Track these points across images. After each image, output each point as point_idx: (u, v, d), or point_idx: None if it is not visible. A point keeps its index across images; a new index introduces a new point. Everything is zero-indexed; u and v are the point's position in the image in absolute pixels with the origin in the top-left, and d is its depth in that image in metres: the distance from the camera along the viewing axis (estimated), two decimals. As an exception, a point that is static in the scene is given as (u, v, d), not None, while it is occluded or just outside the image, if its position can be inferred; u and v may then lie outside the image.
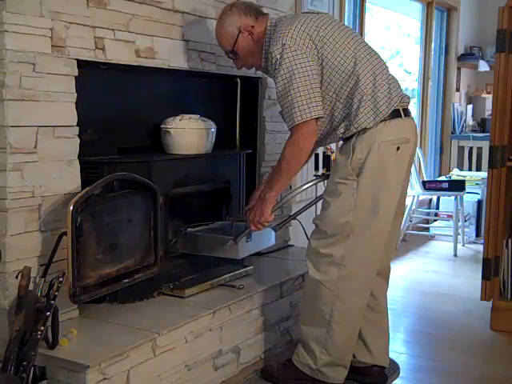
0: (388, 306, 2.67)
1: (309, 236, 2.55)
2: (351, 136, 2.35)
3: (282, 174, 2.38)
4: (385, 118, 2.32)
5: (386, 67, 2.42)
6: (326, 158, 3.72)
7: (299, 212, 2.94)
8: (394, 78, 2.44)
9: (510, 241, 3.32)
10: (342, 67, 2.32)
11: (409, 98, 2.45)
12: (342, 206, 2.36)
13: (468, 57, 6.61)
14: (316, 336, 2.46)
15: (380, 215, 2.37)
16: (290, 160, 2.34)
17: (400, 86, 2.43)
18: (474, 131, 6.78)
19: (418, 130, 6.06)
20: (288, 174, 2.39)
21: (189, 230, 2.81)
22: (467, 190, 5.27)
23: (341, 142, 2.49)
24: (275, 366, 2.61)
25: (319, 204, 2.59)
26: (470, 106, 6.93)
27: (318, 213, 2.55)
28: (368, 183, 2.33)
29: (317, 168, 3.79)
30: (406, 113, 2.42)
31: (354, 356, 2.58)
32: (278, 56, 2.29)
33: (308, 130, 2.31)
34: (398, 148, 2.35)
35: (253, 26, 2.47)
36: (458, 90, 6.62)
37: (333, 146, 4.02)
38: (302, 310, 2.59)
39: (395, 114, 2.35)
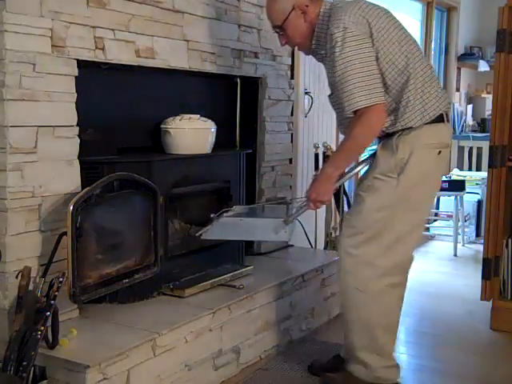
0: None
1: (337, 233, 2.56)
2: (394, 133, 2.34)
3: (349, 153, 2.33)
4: (431, 120, 2.33)
5: (434, 71, 2.44)
6: (327, 157, 3.72)
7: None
8: (439, 82, 2.46)
9: (510, 241, 3.32)
10: (395, 62, 2.29)
11: (451, 104, 2.45)
12: (377, 202, 2.34)
13: (468, 57, 6.60)
14: (361, 344, 2.43)
15: (416, 216, 2.39)
16: (360, 139, 2.28)
17: (445, 92, 2.46)
18: (474, 131, 6.77)
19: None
20: (356, 152, 2.36)
21: (225, 216, 2.69)
22: (467, 189, 5.26)
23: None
24: (337, 379, 2.56)
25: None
26: (470, 106, 6.92)
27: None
28: (409, 183, 2.32)
29: (317, 168, 3.78)
30: (448, 118, 2.43)
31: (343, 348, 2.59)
32: (339, 39, 2.23)
33: (376, 111, 2.25)
34: (440, 152, 2.37)
35: (307, 6, 2.38)
36: (457, 89, 6.61)
37: (333, 145, 4.03)
38: (343, 320, 2.51)
39: (440, 118, 2.36)
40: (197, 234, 2.56)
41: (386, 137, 2.38)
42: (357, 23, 2.24)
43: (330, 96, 2.43)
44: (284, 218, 2.55)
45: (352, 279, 2.39)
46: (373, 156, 2.42)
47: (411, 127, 2.31)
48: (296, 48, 2.47)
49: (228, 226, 2.58)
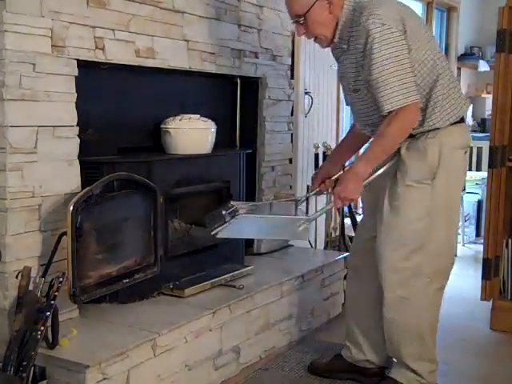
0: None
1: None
2: (419, 134, 2.30)
3: (383, 151, 2.26)
4: (456, 121, 2.32)
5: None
6: (326, 157, 3.71)
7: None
8: None
9: (509, 241, 3.32)
10: (425, 61, 2.26)
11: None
12: (417, 211, 2.30)
13: (468, 57, 6.61)
14: (412, 353, 2.42)
15: (453, 218, 2.39)
16: (396, 138, 2.24)
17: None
18: (474, 131, 6.78)
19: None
20: (389, 151, 2.27)
21: (241, 213, 2.48)
22: (467, 189, 5.26)
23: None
24: None
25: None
26: (470, 106, 6.93)
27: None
28: (442, 187, 2.30)
29: (317, 168, 3.78)
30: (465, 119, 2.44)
31: (350, 352, 2.60)
32: (377, 35, 2.15)
33: (414, 109, 2.21)
34: (465, 152, 2.38)
35: None
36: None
37: (333, 145, 4.03)
38: (390, 332, 2.44)
39: (462, 119, 2.36)
40: (212, 233, 2.38)
41: (409, 138, 2.32)
42: (394, 20, 2.18)
43: (354, 92, 2.33)
44: (304, 216, 2.45)
45: (402, 291, 2.34)
46: (392, 158, 2.35)
47: (437, 128, 2.28)
48: (313, 39, 2.35)
49: (245, 224, 2.40)
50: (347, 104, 2.50)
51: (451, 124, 2.30)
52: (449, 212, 2.36)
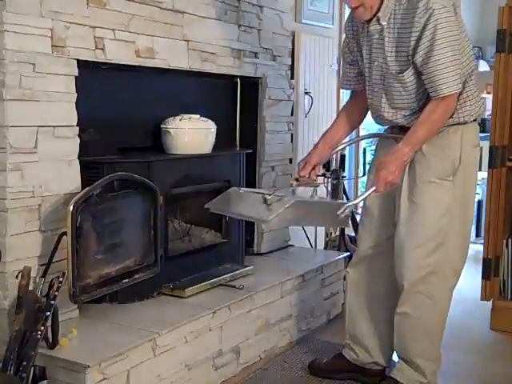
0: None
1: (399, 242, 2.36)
2: (441, 127, 2.27)
3: (427, 136, 2.22)
4: (474, 118, 2.33)
5: None
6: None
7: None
8: None
9: (510, 241, 3.32)
10: (465, 51, 2.26)
11: None
12: (440, 208, 2.30)
13: (468, 57, 6.60)
14: (422, 351, 2.42)
15: (470, 216, 2.41)
16: (439, 124, 2.23)
17: None
18: (474, 131, 6.77)
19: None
20: (431, 135, 2.24)
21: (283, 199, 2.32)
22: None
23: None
24: None
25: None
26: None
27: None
28: (461, 185, 2.32)
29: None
30: None
31: (356, 355, 2.59)
32: (443, 16, 2.11)
33: (455, 98, 2.21)
34: (480, 149, 2.40)
35: None
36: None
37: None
38: (402, 328, 2.43)
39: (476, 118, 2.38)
40: (267, 219, 2.19)
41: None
42: (449, 3, 2.16)
43: (393, 73, 2.26)
44: (345, 201, 2.41)
45: (421, 287, 2.34)
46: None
47: (459, 123, 2.28)
48: (358, 10, 2.23)
49: (290, 212, 2.24)
50: (369, 86, 2.38)
51: (472, 121, 2.32)
52: (466, 210, 2.38)
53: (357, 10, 2.23)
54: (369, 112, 2.51)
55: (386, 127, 2.52)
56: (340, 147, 2.57)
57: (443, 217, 2.30)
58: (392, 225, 2.41)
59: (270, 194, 2.28)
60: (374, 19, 2.24)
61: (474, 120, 2.34)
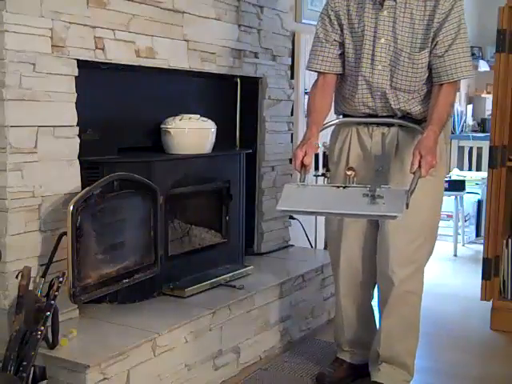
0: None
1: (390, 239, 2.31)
2: (422, 120, 2.30)
3: (447, 117, 2.25)
4: None
5: None
6: (326, 157, 3.71)
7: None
8: None
9: (510, 241, 3.32)
10: None
11: None
12: (428, 202, 2.31)
13: (468, 57, 6.60)
14: (409, 349, 2.43)
15: (439, 212, 2.43)
16: (453, 106, 2.33)
17: None
18: (474, 131, 6.78)
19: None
20: (449, 118, 2.30)
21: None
22: (467, 189, 5.26)
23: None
24: None
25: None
26: (470, 106, 6.92)
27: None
28: (441, 179, 2.36)
29: (317, 168, 3.78)
30: None
31: (358, 355, 2.58)
32: (462, 3, 2.25)
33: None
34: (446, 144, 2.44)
35: None
36: (458, 90, 6.61)
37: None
38: (389, 329, 2.41)
39: None
40: (398, 214, 1.96)
41: (418, 122, 2.31)
42: None
43: (405, 53, 2.24)
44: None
45: (409, 285, 2.35)
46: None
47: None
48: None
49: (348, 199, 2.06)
50: (365, 65, 2.29)
51: None
52: (441, 203, 2.43)
53: None
54: None
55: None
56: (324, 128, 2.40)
57: (431, 210, 2.35)
58: (373, 225, 2.41)
59: (365, 187, 2.05)
60: None
61: None
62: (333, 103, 2.47)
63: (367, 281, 2.51)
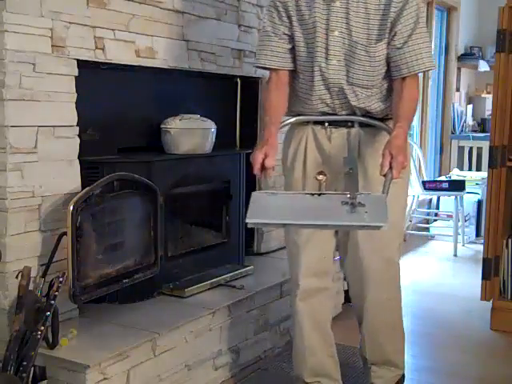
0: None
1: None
2: (386, 117, 2.20)
3: (413, 111, 2.13)
4: None
5: None
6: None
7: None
8: None
9: (510, 241, 3.32)
10: None
11: None
12: (399, 205, 2.24)
13: (468, 57, 6.61)
14: (396, 346, 2.39)
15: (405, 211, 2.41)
16: (417, 100, 2.18)
17: None
18: (474, 131, 6.78)
19: (418, 130, 6.07)
20: (415, 112, 2.17)
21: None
22: (467, 189, 5.26)
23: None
24: None
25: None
26: (470, 106, 6.93)
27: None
28: (407, 179, 2.31)
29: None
30: None
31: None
32: None
33: None
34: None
35: None
36: (458, 90, 6.62)
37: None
38: (375, 335, 2.34)
39: None
40: (383, 224, 1.77)
41: (381, 120, 2.18)
42: None
43: (362, 45, 2.09)
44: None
45: (387, 292, 2.29)
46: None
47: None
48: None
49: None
50: (318, 60, 2.12)
51: None
52: (406, 204, 2.41)
53: None
54: None
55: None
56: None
57: (400, 213, 2.27)
58: (335, 235, 2.26)
59: (343, 194, 1.87)
60: None
61: None
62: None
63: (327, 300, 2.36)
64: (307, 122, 2.24)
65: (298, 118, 2.26)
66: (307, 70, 2.17)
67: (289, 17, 2.16)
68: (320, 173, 2.00)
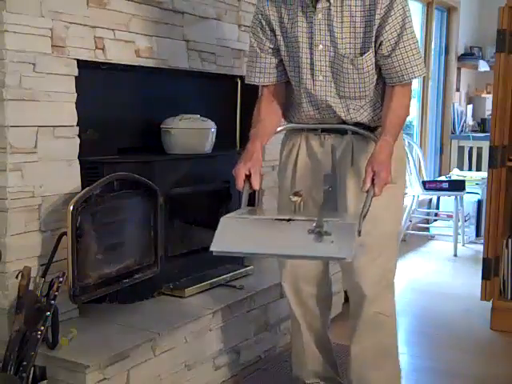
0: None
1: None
2: (377, 125, 2.09)
3: (401, 122, 2.04)
4: None
5: None
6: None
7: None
8: None
9: (510, 241, 3.32)
10: None
11: None
12: (392, 215, 2.13)
13: (468, 57, 6.61)
14: (386, 378, 2.19)
15: (401, 221, 2.30)
16: (408, 108, 2.09)
17: None
18: (474, 131, 6.78)
19: (418, 130, 6.07)
20: (404, 123, 2.07)
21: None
22: (467, 189, 5.27)
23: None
24: None
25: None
26: (470, 106, 6.93)
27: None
28: (402, 186, 2.19)
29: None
30: None
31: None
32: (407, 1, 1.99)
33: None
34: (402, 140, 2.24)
35: None
36: (458, 90, 6.62)
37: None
38: (362, 357, 2.18)
39: None
40: (347, 256, 1.72)
41: (371, 129, 2.10)
42: None
43: (348, 58, 2.00)
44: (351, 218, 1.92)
45: (381, 307, 2.15)
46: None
47: None
48: None
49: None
50: (304, 75, 2.05)
51: None
52: (401, 214, 2.29)
53: None
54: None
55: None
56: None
57: (394, 223, 2.15)
58: None
59: (311, 220, 1.78)
60: None
61: None
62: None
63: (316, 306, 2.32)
64: (301, 129, 2.21)
65: (285, 126, 2.24)
66: (295, 85, 2.12)
67: (272, 30, 2.08)
68: (295, 194, 1.93)
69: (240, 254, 1.95)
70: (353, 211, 2.05)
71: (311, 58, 2.03)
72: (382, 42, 1.96)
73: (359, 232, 1.77)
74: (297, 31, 2.02)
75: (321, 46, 2.01)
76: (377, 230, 2.04)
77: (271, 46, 2.11)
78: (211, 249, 1.84)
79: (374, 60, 2.00)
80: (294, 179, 2.21)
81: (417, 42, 2.01)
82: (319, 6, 1.97)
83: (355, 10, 1.96)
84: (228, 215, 1.94)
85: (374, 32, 1.96)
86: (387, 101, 2.03)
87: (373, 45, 1.98)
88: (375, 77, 2.05)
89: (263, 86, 2.17)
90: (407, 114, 2.07)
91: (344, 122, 2.13)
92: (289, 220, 1.81)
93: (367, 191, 1.87)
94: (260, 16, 2.09)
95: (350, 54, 2.00)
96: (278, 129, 2.24)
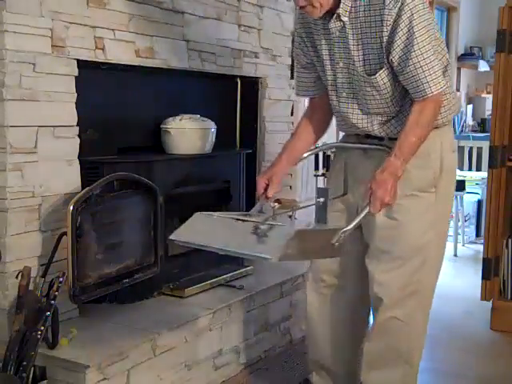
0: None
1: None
2: None
3: (419, 142, 1.95)
4: (452, 117, 2.14)
5: None
6: (326, 157, 3.72)
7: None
8: None
9: (510, 241, 3.32)
10: (441, 44, 2.04)
11: None
12: (421, 224, 2.05)
13: (468, 57, 6.62)
14: (390, 380, 2.15)
15: (446, 231, 2.21)
16: (430, 127, 1.97)
17: None
18: (474, 131, 6.78)
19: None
20: (422, 142, 1.96)
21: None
22: (467, 189, 5.27)
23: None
24: None
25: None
26: (470, 106, 6.93)
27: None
28: (444, 196, 2.10)
29: (317, 168, 3.79)
30: None
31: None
32: (415, 8, 1.85)
33: (440, 97, 1.97)
34: (454, 152, 2.17)
35: None
36: (458, 90, 6.62)
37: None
38: (369, 354, 2.16)
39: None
40: (273, 257, 1.74)
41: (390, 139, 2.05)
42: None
43: (366, 75, 1.98)
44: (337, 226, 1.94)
45: (399, 313, 2.09)
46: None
47: (437, 127, 2.04)
48: (306, 9, 1.95)
49: (291, 245, 1.78)
50: (333, 91, 2.09)
51: (446, 124, 2.10)
52: (446, 222, 2.22)
53: (304, 8, 1.95)
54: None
55: (345, 134, 2.25)
56: (302, 158, 2.26)
57: (426, 233, 2.07)
58: (358, 249, 2.15)
59: (258, 222, 1.86)
60: (334, 16, 1.96)
61: (449, 122, 2.13)
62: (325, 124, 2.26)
63: (342, 304, 2.27)
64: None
65: (315, 149, 2.35)
66: (330, 98, 2.14)
67: (306, 46, 2.13)
68: (276, 200, 2.09)
69: (190, 245, 2.06)
70: (378, 230, 2.06)
71: (334, 75, 2.07)
72: (393, 58, 1.93)
73: (333, 244, 1.80)
74: (321, 49, 2.07)
75: (341, 64, 2.04)
76: (402, 240, 2.05)
77: (306, 61, 2.15)
78: (170, 237, 1.99)
79: (390, 76, 1.97)
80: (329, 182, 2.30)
81: (430, 54, 1.90)
82: (332, 25, 1.99)
83: (365, 26, 1.95)
84: (203, 212, 2.05)
85: (384, 49, 1.93)
86: (409, 116, 1.97)
87: (386, 61, 1.95)
88: (397, 92, 2.01)
89: (310, 98, 2.24)
90: (424, 133, 1.96)
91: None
92: (243, 221, 1.93)
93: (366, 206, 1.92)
94: (297, 30, 2.15)
95: (364, 72, 1.99)
96: (309, 152, 2.28)
